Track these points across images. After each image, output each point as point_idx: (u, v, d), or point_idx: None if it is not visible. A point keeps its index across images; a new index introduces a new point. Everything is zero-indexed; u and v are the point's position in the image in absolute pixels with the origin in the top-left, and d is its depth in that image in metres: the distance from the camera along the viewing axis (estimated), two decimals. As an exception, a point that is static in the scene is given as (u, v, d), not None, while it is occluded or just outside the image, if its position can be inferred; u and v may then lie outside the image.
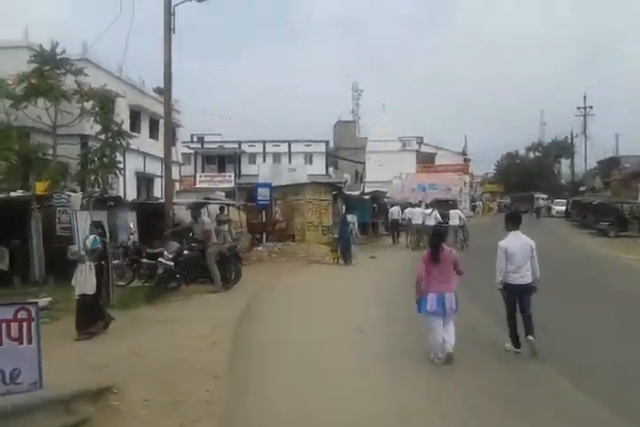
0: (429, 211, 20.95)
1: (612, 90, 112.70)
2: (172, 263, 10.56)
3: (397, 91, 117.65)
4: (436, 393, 5.52)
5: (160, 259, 10.63)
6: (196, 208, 17.83)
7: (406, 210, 23.18)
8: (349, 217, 24.19)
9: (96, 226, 8.69)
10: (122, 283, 11.26)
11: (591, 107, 53.82)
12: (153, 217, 14.55)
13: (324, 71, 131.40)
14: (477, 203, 53.82)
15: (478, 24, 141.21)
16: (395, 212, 24.55)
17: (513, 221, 7.04)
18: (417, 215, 20.72)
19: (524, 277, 6.68)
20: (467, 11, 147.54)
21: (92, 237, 7.92)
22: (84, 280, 7.52)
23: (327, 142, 49.70)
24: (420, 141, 52.16)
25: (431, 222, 19.47)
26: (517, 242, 6.79)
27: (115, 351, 6.69)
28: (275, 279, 13.26)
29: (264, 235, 19.91)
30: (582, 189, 56.22)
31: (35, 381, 4.75)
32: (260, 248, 18.17)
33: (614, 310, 9.47)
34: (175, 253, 10.72)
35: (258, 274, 13.91)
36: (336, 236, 16.97)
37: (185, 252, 11.11)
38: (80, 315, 7.51)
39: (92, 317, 7.61)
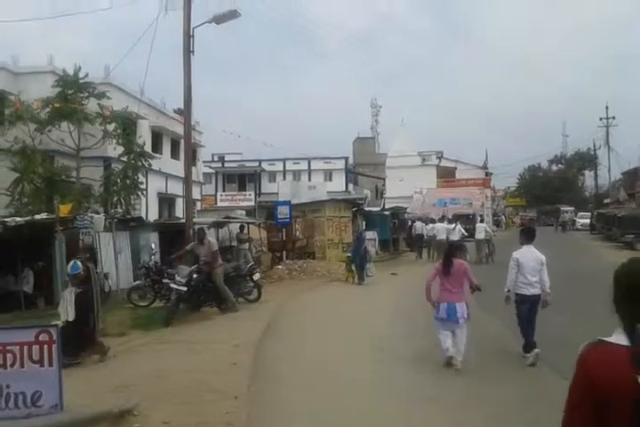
0: (453, 226, 20.95)
1: (635, 100, 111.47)
2: (184, 288, 10.33)
3: (416, 106, 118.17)
4: (457, 409, 5.41)
5: (172, 284, 10.45)
6: (209, 228, 18.06)
7: (429, 225, 23.25)
8: (370, 233, 24.27)
9: (86, 249, 8.71)
10: (143, 304, 11.36)
11: (614, 117, 53.11)
12: (174, 237, 14.69)
13: (343, 88, 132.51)
14: (501, 217, 53.30)
15: (498, 38, 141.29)
16: (419, 227, 24.76)
17: (526, 236, 7.30)
18: (441, 230, 20.76)
19: (535, 288, 6.93)
20: (487, 25, 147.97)
21: (72, 262, 7.68)
22: (66, 306, 7.31)
23: (346, 159, 49.88)
24: (440, 156, 51.98)
25: (455, 237, 19.42)
26: (530, 255, 7.04)
27: (135, 373, 6.69)
28: (295, 298, 13.23)
29: (284, 253, 19.93)
30: (607, 201, 55.23)
31: (55, 403, 4.78)
32: (280, 266, 18.17)
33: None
34: (187, 277, 10.51)
35: (278, 292, 13.91)
36: (349, 254, 16.81)
37: (194, 275, 10.80)
38: (63, 342, 7.13)
39: (75, 343, 7.08)
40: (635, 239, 26.54)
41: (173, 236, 14.84)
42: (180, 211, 24.29)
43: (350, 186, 48.64)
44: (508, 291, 7.04)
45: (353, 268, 16.31)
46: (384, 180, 50.08)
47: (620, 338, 1.80)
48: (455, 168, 52.26)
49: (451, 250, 7.25)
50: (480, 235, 19.97)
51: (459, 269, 6.82)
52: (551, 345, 7.19)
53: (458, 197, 44.81)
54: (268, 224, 21.63)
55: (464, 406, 5.61)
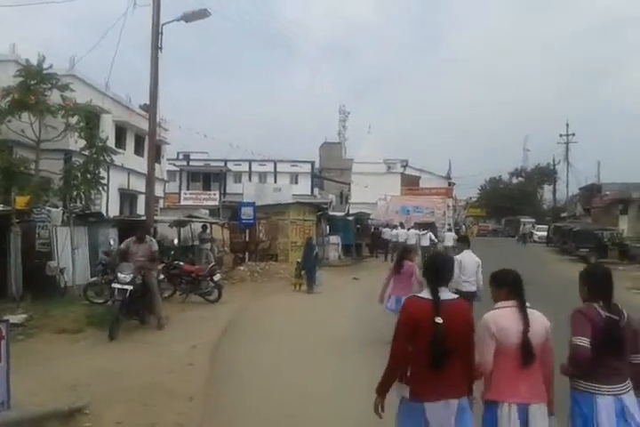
0: (424, 232, 23.37)
1: (593, 118, 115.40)
2: (130, 287, 8.81)
3: (383, 114, 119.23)
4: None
5: (115, 284, 8.88)
6: (172, 226, 17.77)
7: (393, 231, 25.02)
8: (333, 238, 24.43)
9: None
10: (99, 301, 11.08)
11: (573, 134, 54.75)
12: (134, 234, 14.40)
13: (312, 93, 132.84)
14: (461, 227, 54.23)
15: (465, 52, 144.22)
16: (387, 232, 26.21)
17: (464, 243, 9.26)
18: (411, 236, 22.83)
19: (472, 286, 8.31)
20: (454, 39, 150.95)
21: None
22: None
23: (313, 163, 49.97)
24: (405, 164, 52.73)
25: (425, 243, 22.14)
26: (469, 258, 8.53)
27: (89, 372, 6.53)
28: (255, 300, 13.16)
29: (247, 254, 19.82)
30: (564, 215, 56.91)
31: (2, 401, 4.62)
32: (242, 268, 18.06)
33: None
34: (133, 274, 8.99)
35: (239, 294, 13.83)
36: (299, 260, 16.06)
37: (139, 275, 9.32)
38: None
39: None
40: (589, 253, 27.40)
41: (133, 233, 14.56)
42: (141, 208, 23.88)
43: (316, 190, 48.74)
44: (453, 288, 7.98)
45: (303, 274, 15.44)
46: (349, 185, 50.40)
47: (427, 294, 3.32)
48: (419, 177, 53.07)
49: (403, 253, 8.67)
50: (448, 242, 21.26)
51: (408, 269, 8.26)
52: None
53: (421, 205, 45.46)
54: (231, 225, 21.48)
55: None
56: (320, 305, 12.57)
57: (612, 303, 3.45)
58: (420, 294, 3.38)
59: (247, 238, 20.37)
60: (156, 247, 9.78)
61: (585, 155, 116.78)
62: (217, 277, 12.66)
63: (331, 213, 30.57)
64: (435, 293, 3.28)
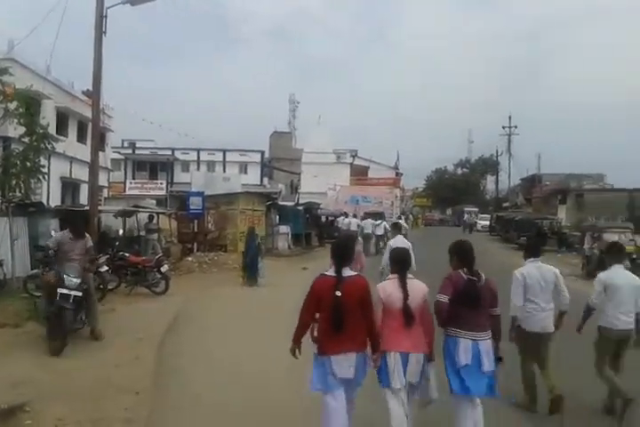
0: (379, 222, 24.37)
1: (535, 111, 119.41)
2: (79, 293, 7.48)
3: (333, 104, 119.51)
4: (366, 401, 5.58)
5: (61, 289, 7.34)
6: (116, 216, 17.31)
7: (345, 220, 26.03)
8: (283, 228, 24.44)
9: None
10: (40, 294, 10.72)
11: (515, 126, 56.56)
12: (71, 224, 13.95)
13: (262, 82, 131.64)
14: (409, 215, 55.33)
15: (413, 44, 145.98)
16: (341, 221, 26.92)
17: (395, 229, 11.03)
18: (368, 225, 23.76)
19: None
20: (404, 31, 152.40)
21: None
22: None
23: (262, 152, 49.64)
24: (355, 154, 53.08)
25: (380, 232, 23.35)
26: (400, 243, 9.14)
27: (31, 368, 6.35)
28: (204, 291, 13.02)
29: (195, 244, 19.58)
30: (506, 204, 58.81)
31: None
32: (190, 258, 17.83)
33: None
34: (81, 279, 7.63)
35: (187, 285, 13.65)
36: (244, 250, 15.18)
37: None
38: None
39: None
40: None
41: (69, 225, 14.11)
42: (84, 197, 23.13)
43: (265, 180, 48.48)
44: (382, 268, 9.26)
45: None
46: (299, 175, 50.39)
47: (331, 272, 4.18)
48: (368, 167, 53.58)
49: (348, 238, 9.06)
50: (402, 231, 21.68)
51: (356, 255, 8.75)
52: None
53: (369, 195, 46.04)
54: (179, 215, 21.14)
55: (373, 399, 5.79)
56: (268, 296, 12.55)
57: (474, 269, 4.47)
58: (327, 273, 4.26)
59: (195, 229, 20.11)
60: (91, 244, 8.23)
61: (526, 147, 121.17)
62: (164, 268, 12.47)
63: (280, 202, 30.52)
64: (338, 272, 4.17)
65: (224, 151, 46.41)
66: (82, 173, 23.06)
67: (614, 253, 5.99)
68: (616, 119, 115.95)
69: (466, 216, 50.59)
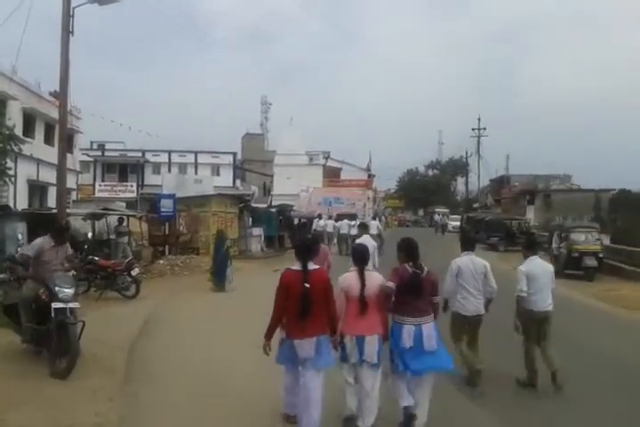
0: (354, 222, 24.49)
1: (504, 112, 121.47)
2: (77, 305, 6.70)
3: (306, 105, 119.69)
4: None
5: (55, 304, 6.36)
6: (85, 219, 16.98)
7: (320, 222, 27.06)
8: (256, 230, 24.36)
9: None
10: (9, 302, 10.45)
11: (484, 128, 57.36)
12: (45, 228, 13.67)
13: (234, 83, 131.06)
14: (382, 217, 55.68)
15: (385, 46, 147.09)
16: (317, 223, 27.36)
17: (363, 228, 12.16)
18: (344, 226, 24.39)
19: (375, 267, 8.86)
20: (375, 33, 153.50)
21: None
22: None
23: (235, 154, 49.39)
24: (327, 156, 53.18)
25: (355, 232, 23.06)
26: (366, 241, 9.55)
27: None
28: (175, 294, 12.87)
29: (167, 247, 19.36)
30: (476, 205, 59.67)
31: None
32: (162, 261, 17.61)
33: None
34: (74, 289, 6.83)
35: (158, 288, 13.50)
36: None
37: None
38: None
39: None
40: (499, 242, 28.97)
41: (43, 227, 13.82)
42: (52, 200, 22.69)
43: (238, 182, 48.24)
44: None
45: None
46: (272, 177, 50.27)
47: (298, 267, 4.75)
48: (341, 169, 53.77)
49: (314, 238, 9.16)
50: (373, 231, 21.82)
51: (322, 252, 8.22)
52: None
53: (342, 196, 46.19)
54: (150, 217, 20.87)
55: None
56: (237, 300, 12.47)
57: (418, 263, 5.19)
58: (293, 267, 4.86)
59: (167, 231, 19.89)
60: (71, 251, 7.54)
61: (495, 148, 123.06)
62: (135, 271, 12.30)
63: (253, 204, 30.40)
64: (304, 266, 4.77)
65: (195, 153, 46.05)
66: (49, 176, 22.62)
67: (530, 247, 6.99)
68: (582, 121, 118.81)
69: (437, 217, 51.05)
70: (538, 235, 28.54)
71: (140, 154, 44.55)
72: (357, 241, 9.54)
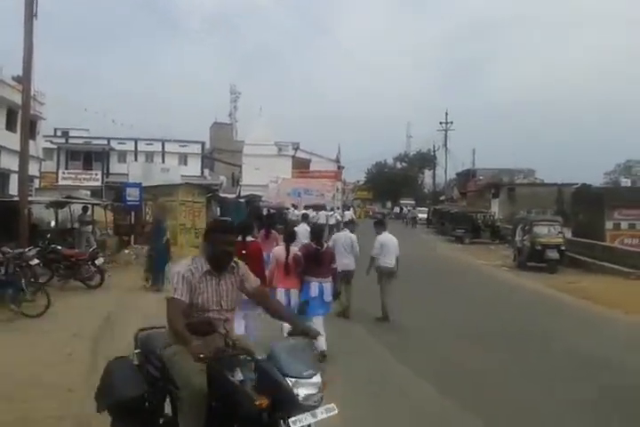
0: (331, 213, 27.53)
1: (471, 107, 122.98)
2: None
3: (275, 96, 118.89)
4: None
5: None
6: (48, 207, 16.55)
7: (296, 212, 28.41)
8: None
9: None
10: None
11: (452, 122, 58.03)
12: (8, 217, 13.28)
13: (203, 71, 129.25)
14: (351, 209, 55.83)
15: (355, 38, 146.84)
16: (291, 213, 29.04)
17: (348, 225, 11.73)
18: (322, 216, 26.45)
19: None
20: (345, 25, 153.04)
21: None
22: None
23: (203, 144, 48.79)
24: (296, 147, 53.00)
25: (332, 222, 26.14)
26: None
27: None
28: (140, 284, 12.68)
29: (132, 237, 19.07)
30: (442, 198, 60.45)
31: None
32: (127, 251, 17.36)
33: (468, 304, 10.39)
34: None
35: (123, 278, 13.30)
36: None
37: None
38: None
39: None
40: (464, 234, 29.47)
41: (4, 215, 13.44)
42: (14, 188, 22.04)
43: (206, 171, 47.70)
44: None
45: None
46: (240, 167, 49.88)
47: (244, 237, 6.74)
48: (310, 160, 53.70)
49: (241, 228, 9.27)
50: (347, 219, 22.52)
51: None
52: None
53: (311, 188, 46.18)
54: (115, 206, 20.51)
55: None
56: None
57: (321, 242, 7.57)
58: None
59: (132, 221, 19.58)
60: None
61: (462, 142, 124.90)
62: (99, 261, 12.13)
63: (222, 194, 30.15)
64: (243, 239, 6.68)
65: (163, 142, 45.30)
66: (11, 163, 21.95)
67: (380, 226, 10.15)
68: (546, 117, 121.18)
69: (405, 209, 51.48)
70: (502, 227, 29.29)
71: (105, 142, 43.56)
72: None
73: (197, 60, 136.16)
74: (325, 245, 7.61)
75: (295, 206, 31.18)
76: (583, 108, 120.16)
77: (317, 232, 7.97)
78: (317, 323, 6.71)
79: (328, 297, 7.14)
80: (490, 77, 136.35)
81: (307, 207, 31.02)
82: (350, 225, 11.46)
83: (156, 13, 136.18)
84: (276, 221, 26.25)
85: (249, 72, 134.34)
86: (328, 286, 7.16)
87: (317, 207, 32.00)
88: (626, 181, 46.70)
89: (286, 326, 5.52)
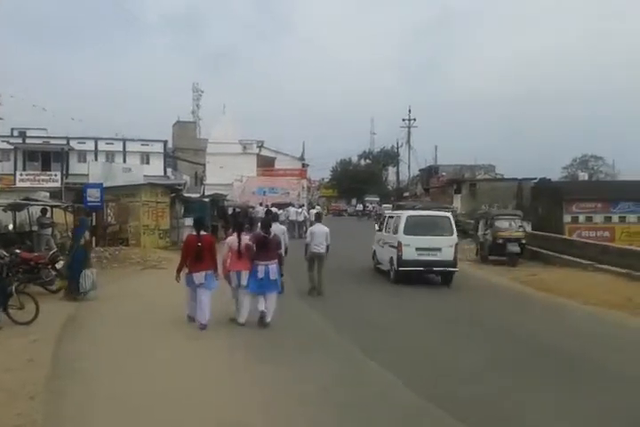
0: (300, 210, 28.39)
1: (433, 104, 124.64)
2: None
3: (239, 94, 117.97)
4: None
5: None
6: (5, 210, 16.07)
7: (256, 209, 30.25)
8: (189, 220, 23.85)
9: None
10: None
11: (414, 119, 58.67)
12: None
13: (164, 69, 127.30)
14: (317, 206, 55.88)
15: (316, 35, 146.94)
16: (260, 211, 29.18)
17: (318, 218, 13.17)
18: (292, 213, 27.44)
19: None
20: (308, 22, 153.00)
21: None
22: None
23: (165, 142, 48.10)
24: (261, 145, 52.80)
25: (300, 218, 27.16)
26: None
27: None
28: (103, 287, 12.38)
29: (94, 239, 18.66)
30: (406, 194, 61.11)
31: None
32: (88, 253, 16.96)
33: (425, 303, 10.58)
34: None
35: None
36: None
37: None
38: None
39: None
40: (428, 229, 29.76)
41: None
42: (-33, 190, 21.37)
43: (169, 170, 47.06)
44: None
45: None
46: (204, 166, 49.39)
47: (195, 233, 8.64)
48: (275, 158, 53.59)
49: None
50: (312, 217, 22.97)
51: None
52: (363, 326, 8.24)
53: (276, 186, 46.14)
54: (75, 208, 20.03)
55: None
56: (172, 288, 12.24)
57: (268, 231, 8.98)
58: (192, 233, 8.77)
59: (94, 223, 19.17)
60: None
61: (425, 139, 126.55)
62: (59, 264, 11.78)
63: (185, 194, 29.77)
64: (198, 233, 8.51)
65: (124, 141, 44.50)
66: (-37, 164, 21.30)
67: (317, 218, 12.94)
68: (507, 114, 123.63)
69: (370, 206, 51.74)
70: (464, 222, 29.79)
71: (64, 141, 42.52)
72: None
73: (159, 57, 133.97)
74: (272, 234, 8.99)
75: (262, 204, 31.63)
76: (543, 103, 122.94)
77: (266, 223, 9.39)
78: (269, 297, 8.56)
79: (274, 276, 8.61)
80: (452, 73, 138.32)
81: (272, 205, 31.00)
82: (319, 219, 12.94)
83: (116, 10, 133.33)
84: (243, 220, 26.33)
85: (212, 70, 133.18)
86: (274, 267, 8.62)
87: (283, 205, 32.04)
88: (583, 175, 48.13)
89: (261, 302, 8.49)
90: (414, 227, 13.69)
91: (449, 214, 15.00)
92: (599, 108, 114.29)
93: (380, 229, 16.02)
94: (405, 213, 14.70)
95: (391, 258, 13.91)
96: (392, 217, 15.46)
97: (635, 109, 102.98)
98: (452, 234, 13.76)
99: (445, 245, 13.49)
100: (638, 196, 26.78)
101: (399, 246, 13.46)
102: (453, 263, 13.54)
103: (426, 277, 13.94)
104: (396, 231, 14.01)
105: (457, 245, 13.81)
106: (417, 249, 13.39)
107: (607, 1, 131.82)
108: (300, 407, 5.32)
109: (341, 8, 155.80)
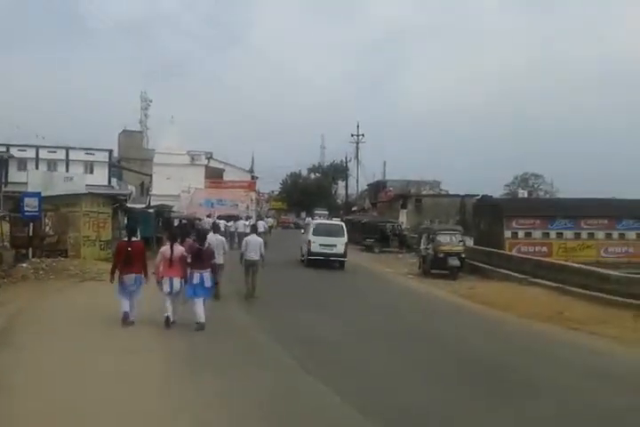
0: (249, 222, 28.61)
1: (382, 120, 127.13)
2: None
3: (188, 105, 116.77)
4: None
5: None
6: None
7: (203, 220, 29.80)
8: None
9: None
10: None
11: (363, 135, 59.63)
12: None
13: (111, 77, 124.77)
14: (266, 219, 55.75)
15: (268, 49, 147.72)
16: (207, 221, 29.32)
17: (253, 229, 14.62)
18: (240, 225, 28.13)
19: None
20: (259, 35, 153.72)
21: None
22: None
23: (111, 151, 47.07)
24: (210, 156, 52.37)
25: (248, 230, 26.43)
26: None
27: None
28: (38, 299, 11.99)
29: (30, 250, 18.03)
30: (354, 208, 61.87)
31: None
32: (25, 265, 16.39)
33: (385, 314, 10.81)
34: None
35: (19, 293, 12.57)
36: None
37: None
38: None
39: None
40: (374, 243, 30.36)
41: None
42: None
43: (114, 180, 45.99)
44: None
45: None
46: (151, 176, 48.54)
47: (127, 239, 9.86)
48: (223, 170, 53.23)
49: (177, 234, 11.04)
50: (261, 229, 23.51)
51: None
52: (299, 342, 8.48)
53: (225, 198, 45.82)
54: (12, 217, 19.33)
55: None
56: (109, 301, 11.98)
57: (203, 243, 9.82)
58: (124, 239, 10.09)
59: (31, 233, 18.53)
60: None
61: (374, 154, 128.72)
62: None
63: (130, 204, 29.21)
64: (129, 239, 9.66)
65: (67, 149, 43.28)
66: None
67: (253, 229, 14.29)
68: (453, 130, 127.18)
69: (319, 219, 51.92)
70: (409, 237, 30.46)
71: (4, 149, 40.96)
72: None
73: (107, 66, 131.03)
74: (207, 245, 9.87)
75: (210, 216, 31.57)
76: (489, 122, 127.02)
77: (201, 235, 10.28)
78: (198, 303, 9.26)
79: (208, 283, 9.45)
80: (402, 89, 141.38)
81: (220, 218, 30.85)
82: (262, 234, 14.93)
83: (62, 16, 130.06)
84: (189, 231, 26.06)
85: (161, 80, 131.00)
86: (207, 275, 9.45)
87: (231, 217, 31.93)
88: (523, 193, 50.02)
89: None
90: (319, 231, 20.77)
91: (342, 224, 22.56)
92: (541, 127, 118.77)
93: (303, 233, 23.18)
94: (315, 222, 23.64)
95: (303, 250, 21.20)
96: (308, 224, 23.80)
97: (575, 129, 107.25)
98: (343, 236, 20.74)
99: (339, 243, 20.46)
100: (574, 213, 28.03)
101: (309, 243, 20.34)
102: (344, 255, 20.57)
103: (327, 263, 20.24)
104: (308, 233, 21.02)
105: (347, 243, 20.82)
106: (320, 245, 20.25)
107: (552, 22, 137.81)
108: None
109: (294, 22, 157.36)
